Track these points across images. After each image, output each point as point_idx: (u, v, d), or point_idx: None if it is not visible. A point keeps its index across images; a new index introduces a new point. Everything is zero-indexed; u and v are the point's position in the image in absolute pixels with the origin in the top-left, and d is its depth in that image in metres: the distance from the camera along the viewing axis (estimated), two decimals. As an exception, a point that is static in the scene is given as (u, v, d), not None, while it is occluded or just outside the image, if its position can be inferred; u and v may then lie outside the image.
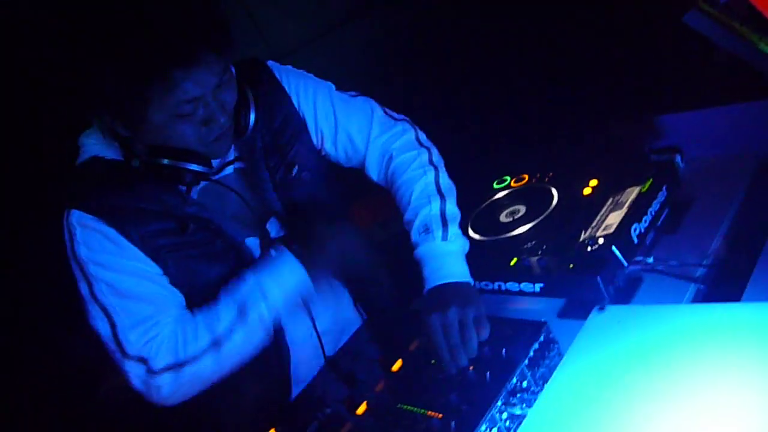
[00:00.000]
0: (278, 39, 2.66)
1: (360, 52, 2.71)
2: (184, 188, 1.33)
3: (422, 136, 1.55)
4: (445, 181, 1.47)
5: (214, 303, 1.29)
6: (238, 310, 1.26)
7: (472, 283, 1.33)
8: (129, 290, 1.27)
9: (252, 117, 1.33)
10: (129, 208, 1.28)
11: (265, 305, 1.27)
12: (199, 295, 1.33)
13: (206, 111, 1.22)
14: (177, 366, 1.25)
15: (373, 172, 1.54)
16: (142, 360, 1.24)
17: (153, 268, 1.30)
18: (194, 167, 1.27)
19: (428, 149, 1.52)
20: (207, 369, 1.26)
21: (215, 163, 1.36)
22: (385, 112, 1.55)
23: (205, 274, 1.34)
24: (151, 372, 1.24)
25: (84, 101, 1.26)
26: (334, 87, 1.53)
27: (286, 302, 1.29)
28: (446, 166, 1.53)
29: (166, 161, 1.25)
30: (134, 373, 1.25)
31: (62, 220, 1.29)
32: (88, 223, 1.26)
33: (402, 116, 1.57)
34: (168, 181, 1.30)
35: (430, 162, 1.49)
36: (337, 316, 1.55)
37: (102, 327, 1.26)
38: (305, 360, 1.48)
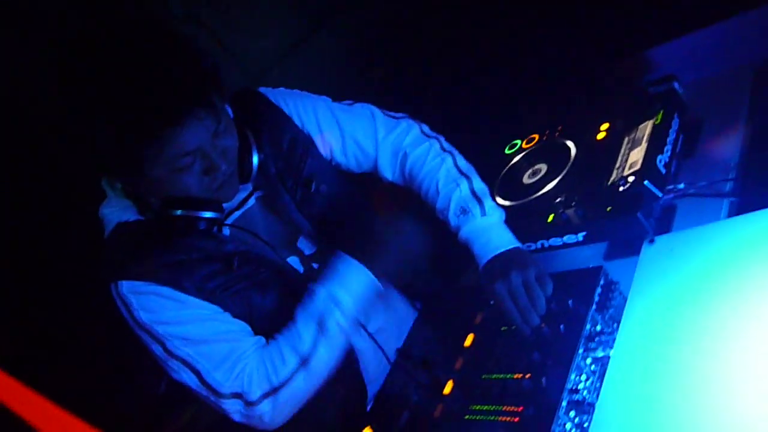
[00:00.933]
0: (251, 62, 2.68)
1: (337, 54, 2.73)
2: (215, 230, 1.34)
3: (426, 128, 1.60)
4: (463, 162, 1.53)
5: (292, 323, 1.33)
6: (317, 325, 1.30)
7: (522, 246, 1.38)
8: (200, 336, 1.30)
9: (255, 160, 1.35)
10: (173, 262, 1.30)
11: (340, 313, 1.30)
12: (262, 323, 1.37)
13: (205, 161, 1.24)
14: (272, 392, 1.28)
15: (387, 172, 1.58)
16: (237, 395, 1.28)
17: (213, 309, 1.33)
18: (207, 215, 1.29)
19: (436, 138, 1.58)
20: (301, 387, 1.30)
21: (233, 202, 1.39)
22: (385, 113, 1.59)
23: (260, 303, 1.37)
24: (249, 404, 1.27)
25: (89, 160, 1.29)
26: (330, 99, 1.58)
27: (358, 305, 1.33)
28: (454, 143, 1.59)
29: (178, 212, 1.27)
30: (233, 409, 1.28)
31: (112, 296, 1.30)
32: (140, 289, 1.28)
33: (401, 114, 1.62)
34: (182, 233, 1.31)
35: (443, 149, 1.55)
36: (388, 312, 1.59)
37: (188, 378, 1.29)
38: (369, 361, 1.53)
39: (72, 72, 1.18)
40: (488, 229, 1.39)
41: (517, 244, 1.38)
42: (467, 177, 1.48)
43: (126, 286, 1.28)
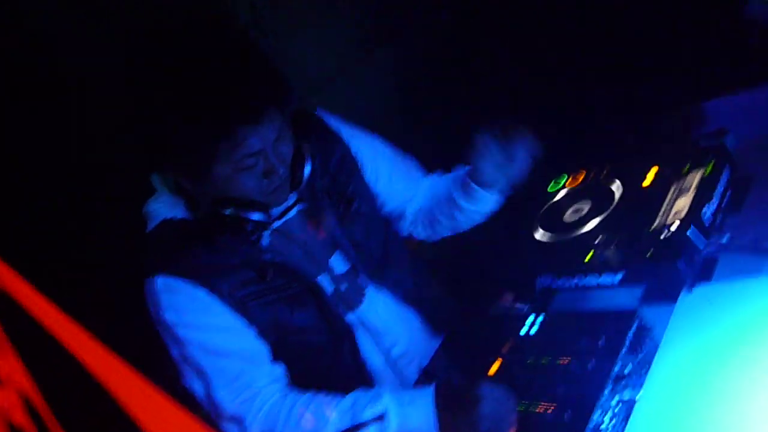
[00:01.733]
0: (309, 72, 2.72)
1: (386, 80, 2.76)
2: (254, 237, 1.37)
3: None
4: None
5: (339, 399, 1.27)
6: (349, 425, 1.22)
7: None
8: (218, 348, 1.30)
9: (308, 169, 1.37)
10: (211, 264, 1.32)
11: None
12: (285, 339, 1.37)
13: (266, 164, 1.27)
14: None
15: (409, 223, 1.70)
16: (237, 420, 1.27)
17: (239, 322, 1.33)
18: (256, 217, 1.31)
19: None
20: None
21: (280, 207, 1.41)
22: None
23: (287, 318, 1.38)
24: None
25: (152, 156, 1.33)
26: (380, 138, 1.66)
27: None
28: None
29: (228, 212, 1.29)
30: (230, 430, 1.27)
31: (146, 285, 1.32)
32: (175, 286, 1.30)
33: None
34: (229, 232, 1.34)
35: None
36: (411, 338, 1.59)
37: (197, 387, 1.30)
38: (386, 385, 1.53)
39: (154, 67, 1.22)
40: None
41: None
42: None
43: (161, 282, 1.30)
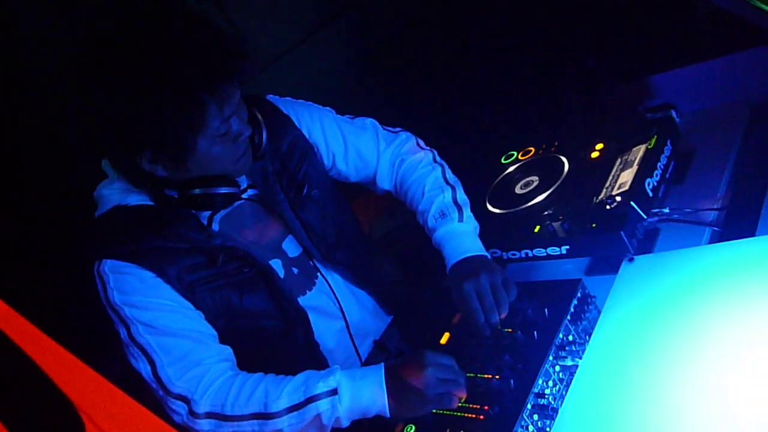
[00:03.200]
0: (262, 48, 2.70)
1: (343, 52, 2.75)
2: (205, 222, 1.38)
3: (421, 142, 1.68)
4: (451, 175, 1.60)
5: (286, 378, 1.26)
6: (302, 400, 1.20)
7: (489, 257, 1.43)
8: (165, 327, 1.29)
9: (264, 134, 1.38)
10: (159, 248, 1.31)
11: (330, 409, 1.19)
12: (235, 323, 1.38)
13: (236, 125, 1.29)
14: (219, 417, 1.23)
15: (386, 181, 1.64)
16: (184, 399, 1.24)
17: (186, 305, 1.33)
18: (225, 190, 1.33)
19: (430, 150, 1.66)
20: None
21: (242, 182, 1.42)
22: (384, 128, 1.67)
23: (237, 303, 1.38)
24: (192, 414, 1.24)
25: (127, 143, 1.28)
26: (334, 111, 1.64)
27: (350, 417, 1.21)
28: (453, 150, 1.65)
29: (197, 191, 1.30)
30: (177, 411, 1.25)
31: (93, 270, 1.32)
32: (122, 269, 1.29)
33: (398, 128, 1.70)
34: (201, 209, 1.35)
35: (435, 161, 1.63)
36: (364, 318, 1.61)
37: (143, 367, 1.28)
38: (342, 364, 1.54)
39: (129, 49, 1.20)
40: (462, 234, 1.44)
41: (486, 254, 1.42)
42: (452, 187, 1.55)
43: (108, 265, 1.30)
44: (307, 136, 1.54)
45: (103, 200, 1.37)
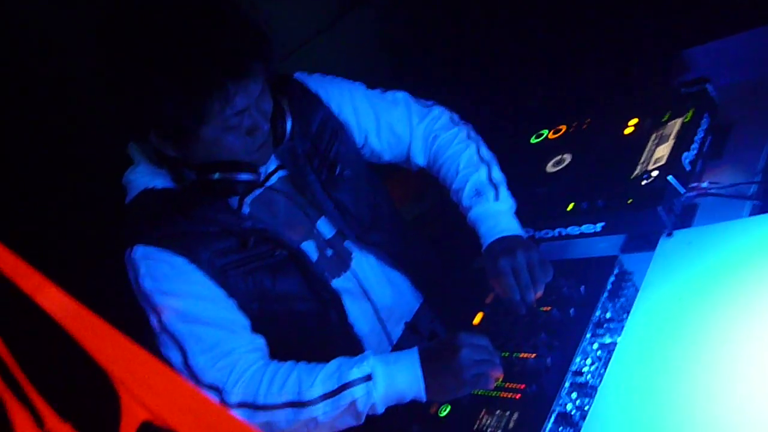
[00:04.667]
0: (287, 33, 2.69)
1: (372, 35, 2.74)
2: (235, 205, 1.36)
3: (455, 116, 1.64)
4: (486, 151, 1.56)
5: (318, 365, 1.24)
6: (337, 387, 1.18)
7: (526, 236, 1.41)
8: (196, 316, 1.27)
9: (288, 124, 1.36)
10: (190, 232, 1.30)
11: (365, 395, 1.17)
12: (269, 308, 1.36)
13: (250, 119, 1.25)
14: (252, 407, 1.21)
15: (420, 156, 1.61)
16: (215, 389, 1.23)
17: (218, 292, 1.31)
18: (245, 177, 1.29)
19: (465, 125, 1.62)
20: (279, 426, 1.21)
21: (266, 168, 1.40)
22: (417, 101, 1.63)
23: (270, 286, 1.36)
24: (224, 404, 1.21)
25: (136, 123, 1.29)
26: (365, 86, 1.60)
27: (386, 403, 1.19)
28: (482, 130, 1.61)
29: (217, 176, 1.27)
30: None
31: (125, 256, 1.30)
32: (153, 254, 1.28)
33: (431, 101, 1.65)
34: (221, 196, 1.32)
35: (469, 137, 1.59)
36: (396, 300, 1.59)
37: (174, 356, 1.25)
38: (374, 347, 1.52)
39: (138, 29, 1.18)
40: (498, 214, 1.42)
41: (523, 233, 1.40)
42: (487, 164, 1.51)
43: (140, 251, 1.28)
44: (337, 114, 1.51)
45: (131, 185, 1.37)
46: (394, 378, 1.18)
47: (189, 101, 1.18)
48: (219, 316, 1.29)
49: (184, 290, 1.28)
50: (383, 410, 1.20)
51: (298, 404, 1.19)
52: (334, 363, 1.22)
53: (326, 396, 1.18)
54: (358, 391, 1.17)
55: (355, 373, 1.18)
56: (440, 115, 1.61)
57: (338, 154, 1.49)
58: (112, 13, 1.22)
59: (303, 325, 1.42)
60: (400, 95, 1.61)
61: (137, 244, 1.28)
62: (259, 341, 1.32)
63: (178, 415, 0.48)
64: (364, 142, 1.57)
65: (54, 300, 0.50)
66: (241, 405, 1.21)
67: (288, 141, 1.37)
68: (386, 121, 1.56)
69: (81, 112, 1.91)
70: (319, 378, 1.20)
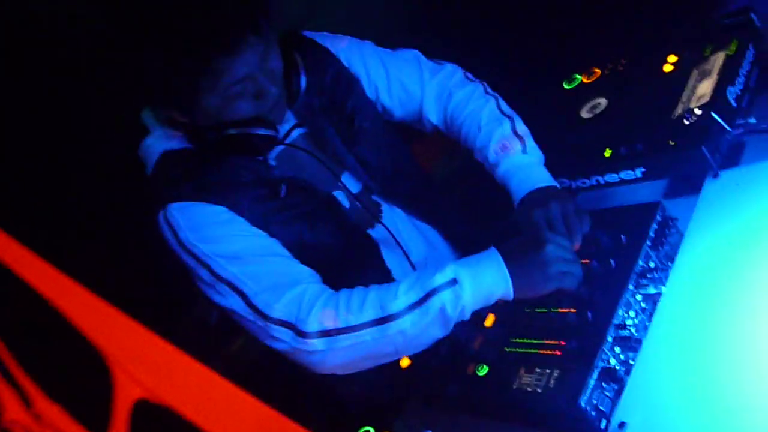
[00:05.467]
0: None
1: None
2: (262, 156, 1.33)
3: (469, 74, 1.59)
4: (506, 107, 1.50)
5: (395, 283, 1.18)
6: (423, 295, 1.13)
7: (559, 187, 1.35)
8: (250, 254, 1.23)
9: (303, 81, 1.32)
10: (224, 182, 1.27)
11: (453, 298, 1.12)
12: (312, 258, 1.31)
13: (255, 85, 1.22)
14: (333, 333, 1.15)
15: (433, 114, 1.55)
16: (287, 324, 1.17)
17: (265, 236, 1.28)
18: (262, 131, 1.26)
19: (481, 83, 1.56)
20: (367, 345, 1.15)
21: (283, 126, 1.37)
22: (429, 59, 1.58)
23: (309, 237, 1.33)
24: (301, 334, 1.16)
25: (139, 92, 1.29)
26: (373, 44, 1.56)
27: (476, 304, 1.15)
28: (510, 79, 1.55)
29: (233, 131, 1.24)
30: (280, 338, 1.17)
31: (159, 221, 1.27)
32: (190, 208, 1.25)
33: (442, 61, 1.60)
34: (241, 153, 1.30)
35: (487, 92, 1.53)
36: (429, 252, 1.56)
37: (234, 302, 1.20)
38: None
39: (122, 5, 1.17)
40: (528, 166, 1.37)
41: (556, 184, 1.34)
42: (510, 117, 1.46)
43: (174, 208, 1.25)
44: (348, 67, 1.47)
45: (149, 151, 1.34)
46: (480, 277, 1.13)
47: (177, 78, 1.16)
48: (272, 251, 1.26)
49: (230, 233, 1.24)
50: (469, 316, 1.15)
51: (384, 319, 1.14)
52: (411, 277, 1.17)
53: (413, 306, 1.13)
54: (445, 295, 1.12)
55: (439, 279, 1.13)
56: (454, 71, 1.56)
57: (355, 107, 1.46)
58: None
59: (345, 277, 1.35)
60: (411, 52, 1.56)
61: (170, 203, 1.25)
62: (317, 275, 1.28)
63: (176, 392, 0.44)
64: (375, 97, 1.52)
65: (39, 272, 0.46)
66: (321, 333, 1.15)
67: (303, 96, 1.33)
68: (396, 77, 1.51)
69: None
70: (401, 290, 1.15)
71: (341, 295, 1.19)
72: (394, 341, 1.14)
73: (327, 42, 1.48)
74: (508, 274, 1.12)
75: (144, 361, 0.44)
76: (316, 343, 1.15)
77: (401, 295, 1.14)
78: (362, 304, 1.16)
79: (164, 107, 1.28)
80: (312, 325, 1.15)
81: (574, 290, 1.14)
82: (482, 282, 1.13)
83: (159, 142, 1.33)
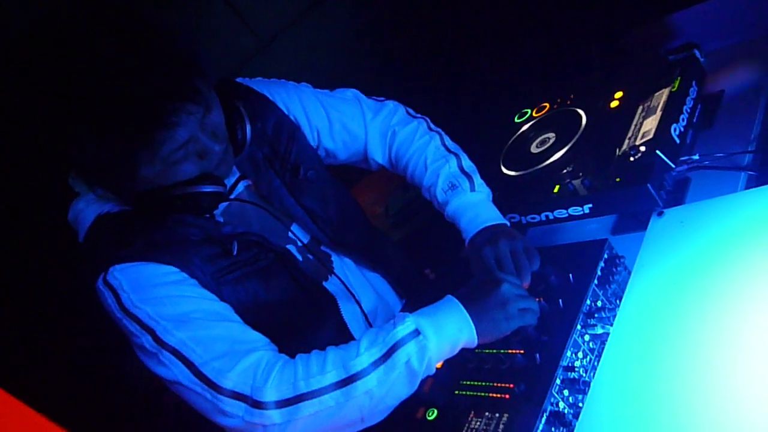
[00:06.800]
0: (261, 24, 2.62)
1: (342, 23, 2.65)
2: (209, 213, 1.26)
3: (411, 110, 1.57)
4: (451, 143, 1.50)
5: (353, 342, 1.11)
6: (385, 350, 1.06)
7: (509, 224, 1.34)
8: (200, 318, 1.12)
9: (248, 129, 1.25)
10: (172, 240, 1.18)
11: (418, 350, 1.06)
12: (268, 318, 1.24)
13: (198, 146, 1.15)
14: (293, 401, 1.04)
15: (378, 153, 1.53)
16: (240, 396, 1.05)
17: (216, 300, 1.18)
18: (210, 188, 1.18)
19: (423, 119, 1.55)
20: (329, 413, 1.04)
21: (229, 180, 1.31)
22: (368, 97, 1.56)
23: (264, 295, 1.26)
24: (257, 405, 1.04)
25: (69, 167, 1.21)
26: (310, 86, 1.52)
27: (440, 355, 1.09)
28: (462, 113, 1.54)
29: (177, 191, 1.16)
30: (232, 413, 1.05)
31: (98, 288, 1.15)
32: (135, 269, 1.14)
33: (382, 97, 1.58)
34: (186, 213, 1.21)
35: (430, 129, 1.52)
36: (379, 302, 1.53)
37: (179, 372, 1.08)
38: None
39: (55, 78, 1.07)
40: (477, 204, 1.35)
41: (505, 221, 1.34)
42: (455, 154, 1.45)
43: (118, 269, 1.13)
44: (288, 115, 1.42)
45: (82, 215, 1.24)
46: (442, 326, 1.08)
47: (112, 155, 1.08)
48: (224, 316, 1.16)
49: (178, 294, 1.13)
50: (434, 370, 1.09)
51: (348, 380, 1.04)
52: (370, 333, 1.10)
53: (377, 362, 1.05)
54: (410, 348, 1.05)
55: (401, 331, 1.07)
56: (395, 108, 1.54)
57: (299, 156, 1.41)
58: (29, 47, 1.10)
59: (301, 334, 1.31)
60: (350, 92, 1.54)
61: (111, 266, 1.13)
62: (271, 343, 1.17)
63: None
64: (318, 142, 1.48)
65: None
66: (279, 404, 1.04)
67: (248, 146, 1.27)
68: (338, 119, 1.47)
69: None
70: (362, 347, 1.07)
71: (298, 361, 1.09)
72: (360, 404, 1.05)
73: (263, 88, 1.42)
74: (470, 318, 1.09)
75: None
76: (273, 416, 1.04)
77: (363, 352, 1.06)
78: (323, 366, 1.07)
79: (97, 181, 1.19)
80: (269, 395, 1.04)
81: (534, 326, 1.12)
82: (445, 330, 1.08)
83: (91, 206, 1.24)
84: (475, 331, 1.09)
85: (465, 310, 1.10)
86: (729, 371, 0.90)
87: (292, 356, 1.12)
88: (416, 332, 1.07)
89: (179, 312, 1.11)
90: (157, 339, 1.09)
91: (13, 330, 1.92)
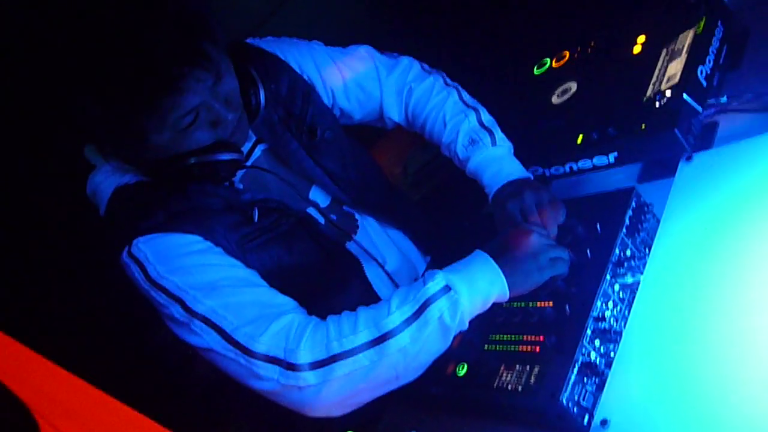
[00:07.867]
0: (251, 6, 2.57)
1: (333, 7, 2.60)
2: (228, 181, 1.25)
3: (426, 66, 1.54)
4: (469, 97, 1.47)
5: (384, 301, 1.10)
6: (417, 307, 1.06)
7: (532, 177, 1.33)
8: (229, 284, 1.12)
9: (262, 95, 1.23)
10: (195, 208, 1.17)
11: (450, 306, 1.06)
12: (293, 282, 1.23)
13: (211, 114, 1.13)
14: (328, 361, 1.04)
15: (394, 112, 1.51)
16: (274, 359, 1.05)
17: (242, 267, 1.18)
18: (226, 156, 1.17)
19: (439, 73, 1.52)
20: (364, 372, 1.05)
21: (245, 146, 1.30)
22: (382, 53, 1.53)
23: (288, 259, 1.26)
24: (291, 368, 1.04)
25: (83, 136, 1.21)
26: (323, 44, 1.49)
27: (474, 310, 1.09)
28: (480, 66, 1.51)
29: (194, 160, 1.14)
30: (266, 376, 1.05)
31: (123, 261, 1.15)
32: (160, 239, 1.14)
33: (395, 53, 1.55)
34: (203, 181, 1.21)
35: (447, 84, 1.49)
36: (403, 261, 1.52)
37: (211, 340, 1.08)
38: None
39: (56, 50, 1.06)
40: (499, 158, 1.34)
41: (529, 175, 1.32)
42: (474, 109, 1.42)
43: (142, 240, 1.13)
44: (301, 75, 1.40)
45: (100, 189, 1.24)
46: (474, 281, 1.08)
47: (120, 122, 1.07)
48: (252, 281, 1.16)
49: (205, 263, 1.13)
50: (467, 324, 1.10)
51: (381, 338, 1.04)
52: (400, 291, 1.10)
53: (409, 319, 1.05)
54: (442, 304, 1.05)
55: (431, 288, 1.06)
56: (410, 64, 1.51)
57: (314, 117, 1.39)
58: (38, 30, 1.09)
59: (328, 297, 1.32)
60: (363, 49, 1.50)
61: (135, 239, 1.13)
62: (300, 306, 1.17)
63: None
64: (332, 102, 1.46)
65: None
66: (314, 365, 1.04)
67: (263, 111, 1.25)
68: (352, 78, 1.45)
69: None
70: (393, 306, 1.07)
71: (330, 322, 1.09)
72: (394, 362, 1.05)
73: (275, 48, 1.39)
74: (501, 272, 1.08)
75: (70, 412, 0.40)
76: (309, 377, 1.04)
77: (395, 311, 1.06)
78: (354, 326, 1.06)
79: (111, 148, 1.18)
80: (303, 357, 1.05)
81: (563, 277, 1.12)
82: (477, 285, 1.07)
83: (109, 179, 1.23)
84: (506, 284, 1.08)
85: (496, 264, 1.09)
86: (764, 317, 0.89)
87: (321, 319, 1.12)
88: (447, 288, 1.07)
89: (207, 280, 1.11)
90: (186, 308, 1.09)
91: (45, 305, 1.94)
